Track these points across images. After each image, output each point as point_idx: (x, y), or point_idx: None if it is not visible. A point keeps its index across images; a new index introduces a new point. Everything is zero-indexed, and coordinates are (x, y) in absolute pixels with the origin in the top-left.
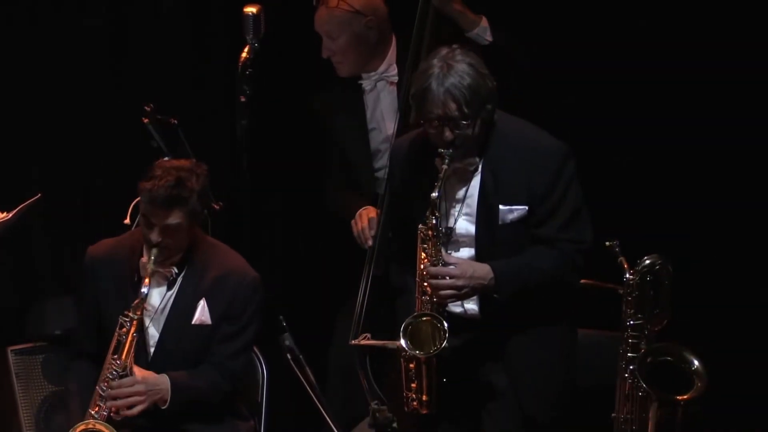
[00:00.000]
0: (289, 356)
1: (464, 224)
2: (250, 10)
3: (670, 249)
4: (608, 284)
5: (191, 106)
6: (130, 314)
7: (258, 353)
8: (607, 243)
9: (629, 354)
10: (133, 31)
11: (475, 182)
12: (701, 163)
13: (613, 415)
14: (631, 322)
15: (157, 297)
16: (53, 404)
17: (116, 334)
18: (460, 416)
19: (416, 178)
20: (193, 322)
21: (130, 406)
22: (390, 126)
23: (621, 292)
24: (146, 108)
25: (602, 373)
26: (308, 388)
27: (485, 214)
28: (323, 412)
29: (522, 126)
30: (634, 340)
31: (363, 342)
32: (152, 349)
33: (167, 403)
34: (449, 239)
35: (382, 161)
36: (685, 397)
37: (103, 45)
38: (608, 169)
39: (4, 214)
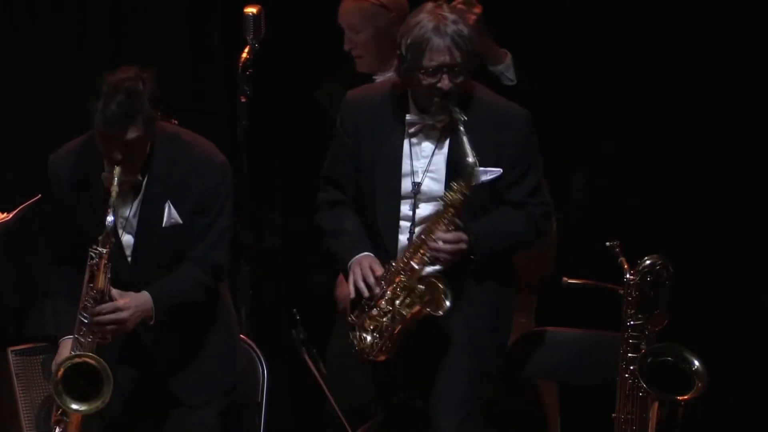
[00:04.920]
0: (303, 349)
1: (429, 183)
2: (251, 10)
3: (671, 249)
4: (608, 284)
5: (191, 106)
6: (99, 248)
7: (258, 353)
8: (608, 243)
9: (629, 354)
10: (133, 31)
11: (445, 141)
12: (701, 163)
13: (613, 415)
14: (632, 323)
15: (126, 204)
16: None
17: (88, 265)
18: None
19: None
20: (163, 225)
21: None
22: None
23: (621, 292)
24: None
25: (602, 373)
26: (321, 382)
27: (453, 176)
28: (334, 405)
29: (488, 91)
30: (635, 341)
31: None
32: (129, 256)
33: (153, 318)
34: (416, 195)
35: None
36: (685, 397)
37: (103, 45)
38: (609, 169)
39: (4, 214)
